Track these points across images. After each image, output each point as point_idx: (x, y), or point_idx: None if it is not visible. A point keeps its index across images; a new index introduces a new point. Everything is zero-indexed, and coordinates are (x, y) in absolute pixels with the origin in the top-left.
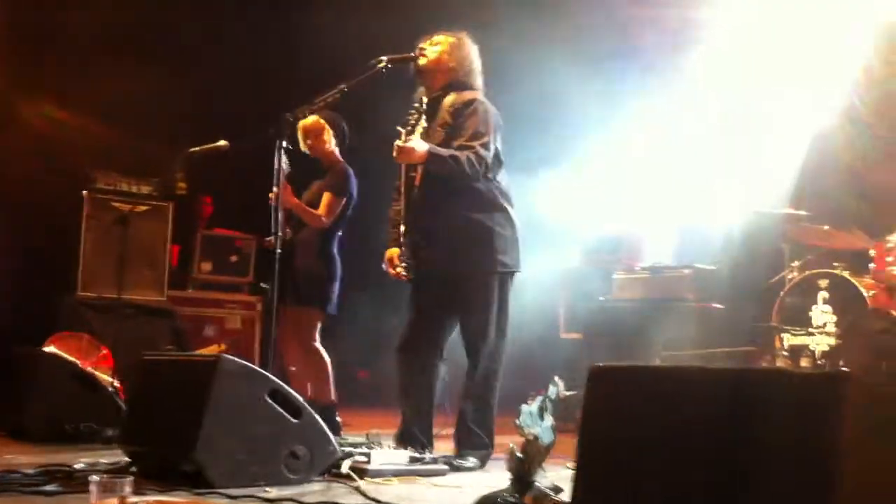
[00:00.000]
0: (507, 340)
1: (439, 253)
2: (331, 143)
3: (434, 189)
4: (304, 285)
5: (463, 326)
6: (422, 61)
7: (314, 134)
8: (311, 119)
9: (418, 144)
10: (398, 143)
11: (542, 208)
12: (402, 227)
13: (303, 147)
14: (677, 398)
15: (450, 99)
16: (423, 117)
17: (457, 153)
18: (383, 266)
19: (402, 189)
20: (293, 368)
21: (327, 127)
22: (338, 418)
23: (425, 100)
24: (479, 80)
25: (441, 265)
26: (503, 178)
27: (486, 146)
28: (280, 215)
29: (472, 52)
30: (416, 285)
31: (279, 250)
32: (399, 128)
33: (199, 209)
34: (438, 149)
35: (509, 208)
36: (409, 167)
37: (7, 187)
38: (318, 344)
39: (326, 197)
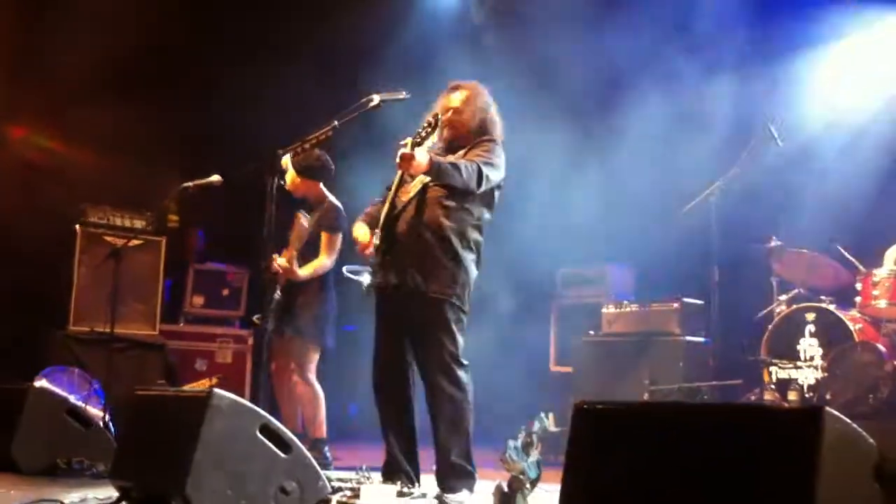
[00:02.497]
0: (468, 370)
1: (406, 272)
2: (297, 182)
3: (423, 208)
4: (305, 320)
5: (419, 356)
6: (448, 133)
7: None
8: (283, 160)
9: (421, 156)
10: (403, 150)
11: (531, 242)
12: (377, 239)
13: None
14: (658, 434)
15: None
16: (435, 133)
17: (457, 161)
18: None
19: (389, 200)
20: (281, 400)
21: (289, 166)
22: (328, 453)
23: (441, 117)
24: (496, 129)
25: (404, 283)
26: (486, 223)
27: (489, 164)
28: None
29: (489, 104)
30: (378, 309)
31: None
32: (409, 138)
33: (192, 243)
34: (440, 158)
35: (479, 254)
36: (400, 183)
37: None
38: (314, 378)
39: (325, 237)
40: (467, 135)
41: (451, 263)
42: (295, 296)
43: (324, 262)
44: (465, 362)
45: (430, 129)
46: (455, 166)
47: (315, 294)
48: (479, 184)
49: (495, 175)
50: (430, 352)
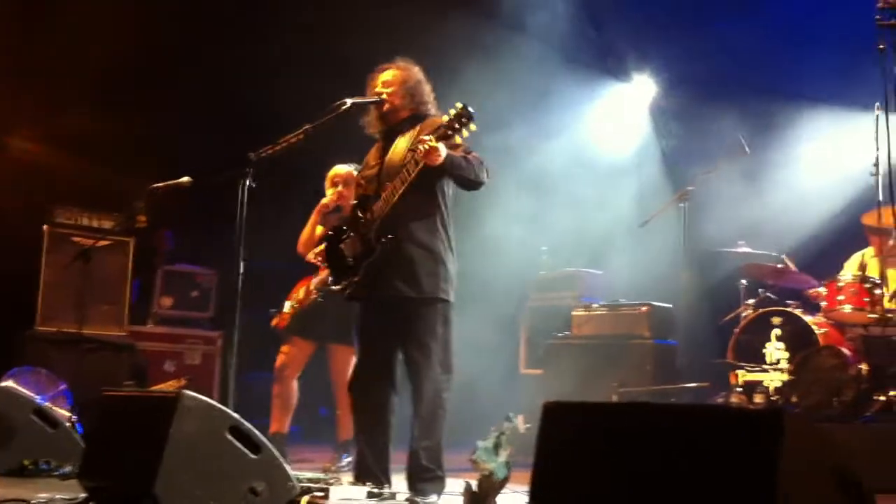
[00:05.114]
0: (453, 376)
1: (389, 277)
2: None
3: (401, 211)
4: (349, 327)
5: (406, 360)
6: (386, 107)
7: (345, 182)
8: (345, 168)
9: (442, 148)
10: (431, 143)
11: (502, 245)
12: (352, 239)
13: (331, 194)
14: (625, 434)
15: (422, 129)
16: (467, 128)
17: (466, 155)
18: None
19: (379, 205)
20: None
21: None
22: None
23: (472, 110)
24: (432, 99)
25: (389, 289)
26: (452, 208)
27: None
28: None
29: (422, 78)
30: (364, 314)
31: None
32: (425, 136)
33: (160, 244)
34: (452, 152)
35: (454, 241)
36: (380, 185)
37: None
38: None
39: None
40: (400, 109)
41: (434, 266)
42: (334, 302)
43: None
44: (453, 369)
45: (460, 125)
46: (467, 160)
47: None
48: (487, 176)
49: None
50: (419, 360)
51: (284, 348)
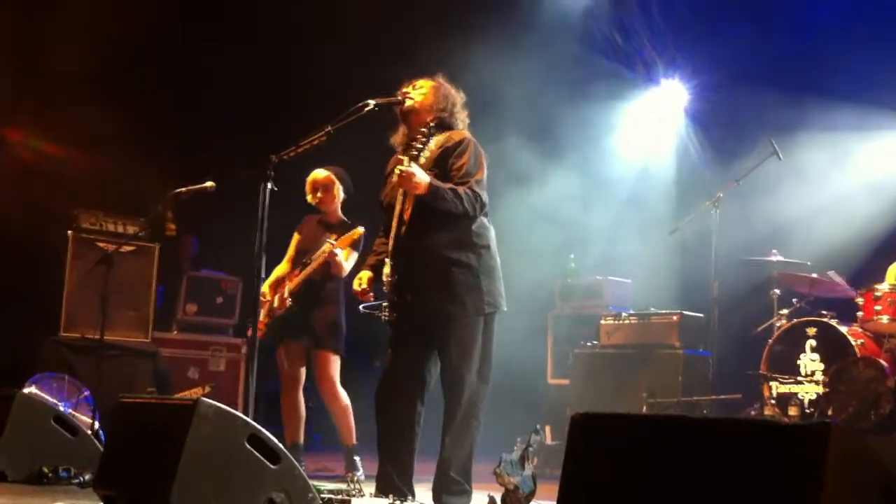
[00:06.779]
0: (489, 387)
1: (426, 296)
2: (339, 199)
3: (422, 226)
4: (327, 331)
5: (443, 368)
6: (408, 103)
7: (324, 188)
8: (323, 174)
9: (421, 174)
10: (402, 167)
11: (529, 253)
12: (389, 263)
13: (311, 199)
14: (657, 447)
15: (439, 139)
16: (429, 145)
17: (456, 188)
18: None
19: (394, 223)
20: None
21: (338, 183)
22: (358, 461)
23: (433, 125)
24: (463, 119)
25: (427, 309)
26: (487, 207)
27: (479, 183)
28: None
29: (453, 92)
30: (398, 325)
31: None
32: (401, 155)
33: (186, 250)
34: (438, 182)
35: (492, 245)
36: (402, 202)
37: None
38: (339, 387)
39: (347, 253)
40: (424, 110)
41: (471, 274)
42: (312, 304)
43: (341, 267)
44: (490, 381)
45: (425, 140)
46: (455, 193)
47: (334, 304)
48: (479, 210)
49: (484, 188)
50: (460, 365)
51: (281, 357)
